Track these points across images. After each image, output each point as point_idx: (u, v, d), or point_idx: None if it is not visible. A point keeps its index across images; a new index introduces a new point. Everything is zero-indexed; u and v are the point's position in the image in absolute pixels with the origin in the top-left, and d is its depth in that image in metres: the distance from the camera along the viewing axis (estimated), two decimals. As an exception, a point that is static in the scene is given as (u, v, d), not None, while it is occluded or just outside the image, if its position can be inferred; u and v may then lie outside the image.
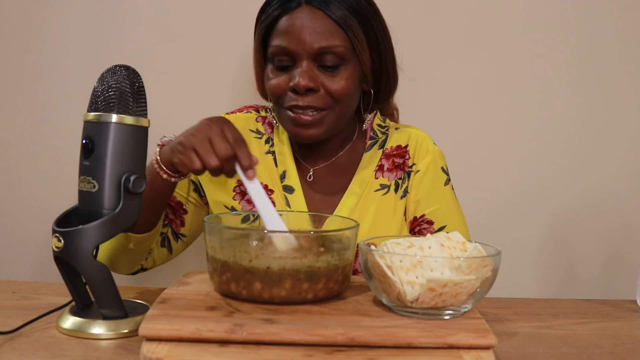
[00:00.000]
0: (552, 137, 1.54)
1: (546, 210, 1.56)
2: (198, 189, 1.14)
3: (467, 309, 0.75)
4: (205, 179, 1.13)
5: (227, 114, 1.19)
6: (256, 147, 1.16)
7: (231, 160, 0.87)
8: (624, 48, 1.52)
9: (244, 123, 1.17)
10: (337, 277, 0.78)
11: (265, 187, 1.13)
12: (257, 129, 1.18)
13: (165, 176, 0.94)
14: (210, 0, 1.49)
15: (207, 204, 1.14)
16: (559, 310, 0.94)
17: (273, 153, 1.15)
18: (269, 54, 1.06)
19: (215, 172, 0.88)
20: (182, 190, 1.13)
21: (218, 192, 1.12)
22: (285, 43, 1.02)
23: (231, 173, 0.88)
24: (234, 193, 1.13)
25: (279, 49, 1.03)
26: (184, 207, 1.14)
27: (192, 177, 1.13)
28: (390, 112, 1.25)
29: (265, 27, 1.06)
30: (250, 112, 1.20)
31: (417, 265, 0.72)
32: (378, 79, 1.11)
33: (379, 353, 0.67)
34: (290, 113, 1.05)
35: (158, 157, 0.94)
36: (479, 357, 0.67)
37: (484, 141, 1.54)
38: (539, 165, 1.54)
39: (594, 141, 1.54)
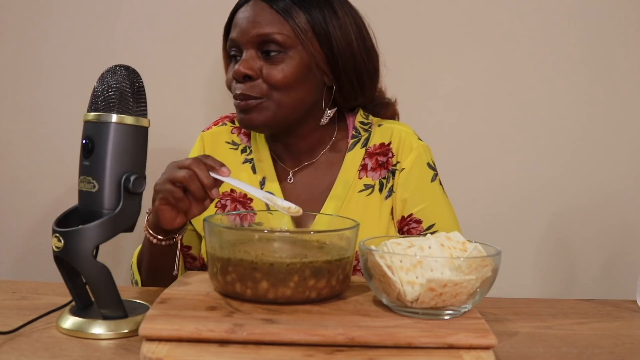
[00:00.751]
0: (551, 136, 1.54)
1: (546, 210, 1.56)
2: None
3: (467, 309, 0.75)
4: None
5: (203, 131, 1.21)
6: (232, 158, 1.16)
7: (199, 164, 0.86)
8: (625, 48, 1.52)
9: (219, 136, 1.19)
10: (339, 275, 0.78)
11: (245, 196, 1.13)
12: (232, 141, 1.19)
13: (155, 241, 0.95)
14: (211, 0, 1.49)
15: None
16: (559, 310, 0.94)
17: (251, 161, 1.16)
18: (227, 48, 1.11)
19: (193, 184, 0.86)
20: None
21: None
22: (233, 34, 1.07)
23: (208, 181, 0.86)
24: (216, 209, 1.13)
25: (230, 42, 1.08)
26: (185, 245, 1.15)
27: None
28: (389, 116, 1.23)
29: (227, 24, 1.11)
30: (226, 124, 1.21)
31: (417, 265, 0.72)
32: (336, 73, 1.09)
33: (379, 353, 0.67)
34: (236, 101, 1.07)
35: (146, 225, 0.96)
36: (479, 357, 0.66)
37: (484, 141, 1.54)
38: (538, 165, 1.54)
39: (594, 141, 1.54)
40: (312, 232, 0.89)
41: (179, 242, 0.97)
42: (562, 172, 1.55)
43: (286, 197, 1.12)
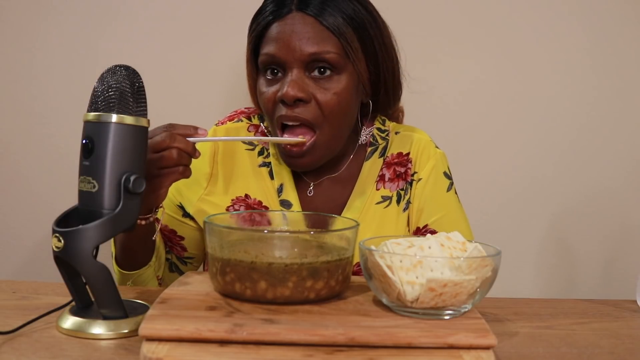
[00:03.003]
0: (552, 136, 1.54)
1: (546, 210, 1.56)
2: (189, 215, 1.11)
3: (467, 309, 0.75)
4: (197, 205, 1.10)
5: (216, 125, 1.15)
6: (248, 160, 1.11)
7: (175, 138, 0.85)
8: (624, 48, 1.52)
9: (235, 133, 1.13)
10: (338, 276, 0.78)
11: (260, 203, 1.09)
12: (248, 140, 1.12)
13: (144, 222, 0.92)
14: (211, 0, 1.49)
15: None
16: (559, 310, 0.94)
17: (268, 165, 1.11)
18: (260, 63, 1.02)
19: (183, 159, 0.86)
20: (175, 214, 1.11)
21: (213, 211, 1.09)
22: (274, 50, 0.98)
23: (190, 147, 0.86)
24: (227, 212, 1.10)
25: (268, 57, 0.99)
26: (178, 234, 1.12)
27: (183, 204, 1.11)
28: (395, 115, 1.21)
29: (256, 35, 1.02)
30: (242, 121, 1.14)
31: (417, 265, 0.72)
32: (376, 90, 1.07)
33: (379, 353, 0.67)
34: (284, 135, 1.00)
35: None
36: (479, 357, 0.66)
37: (484, 141, 1.54)
38: (539, 165, 1.55)
39: (595, 141, 1.54)
40: (312, 232, 0.89)
41: (157, 218, 0.96)
42: (562, 172, 1.55)
43: (304, 209, 1.08)
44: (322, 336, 0.67)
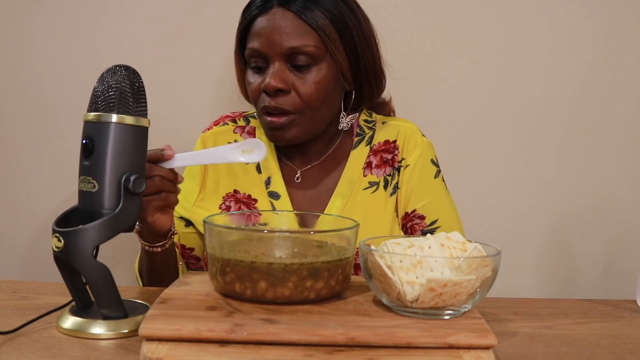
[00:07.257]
0: (552, 137, 1.54)
1: (546, 211, 1.56)
2: (191, 223, 1.15)
3: (467, 309, 0.75)
4: (192, 211, 1.14)
5: (203, 132, 1.20)
6: None
7: (157, 169, 0.87)
8: (625, 49, 1.52)
9: (221, 137, 1.18)
10: (338, 276, 0.78)
11: (249, 197, 1.13)
12: (235, 140, 1.17)
13: (159, 249, 0.96)
14: (211, 0, 1.49)
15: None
16: (559, 310, 0.94)
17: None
18: (246, 56, 1.08)
19: (168, 185, 0.88)
20: (178, 227, 1.13)
21: (206, 214, 1.12)
22: (257, 45, 1.04)
23: (169, 174, 0.88)
24: (220, 210, 1.13)
25: (252, 51, 1.05)
26: (187, 247, 1.15)
27: (182, 214, 1.15)
28: (386, 114, 1.24)
29: (242, 30, 1.08)
30: (227, 124, 1.20)
31: (417, 265, 0.72)
32: (357, 78, 1.11)
33: (379, 353, 0.67)
34: (266, 117, 1.05)
35: (144, 242, 0.96)
36: (479, 357, 0.67)
37: (484, 141, 1.54)
38: (539, 165, 1.54)
39: (595, 142, 1.54)
40: (312, 232, 0.89)
41: (174, 241, 0.99)
42: (562, 172, 1.55)
43: (292, 196, 1.12)
44: (322, 336, 0.67)
